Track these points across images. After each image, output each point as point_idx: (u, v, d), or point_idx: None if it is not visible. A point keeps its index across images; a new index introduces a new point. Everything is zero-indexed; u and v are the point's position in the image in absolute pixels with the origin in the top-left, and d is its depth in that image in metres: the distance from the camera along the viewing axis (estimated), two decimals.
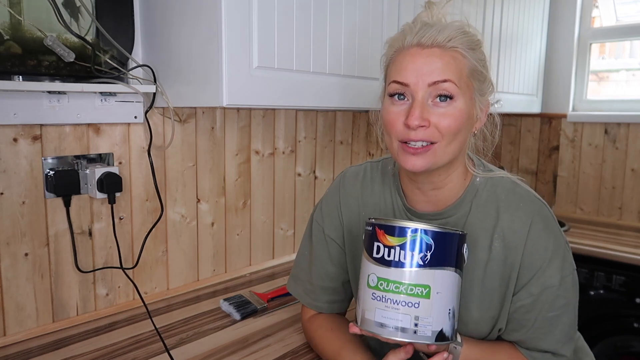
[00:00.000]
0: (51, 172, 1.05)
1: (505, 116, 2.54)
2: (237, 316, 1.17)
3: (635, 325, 1.75)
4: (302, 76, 1.14)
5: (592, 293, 1.80)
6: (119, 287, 1.21)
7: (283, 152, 1.56)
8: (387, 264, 0.69)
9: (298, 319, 1.17)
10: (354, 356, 0.86)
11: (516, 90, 2.15)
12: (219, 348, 1.03)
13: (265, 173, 1.52)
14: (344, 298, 1.00)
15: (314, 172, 1.68)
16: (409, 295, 0.68)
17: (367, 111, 1.84)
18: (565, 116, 2.39)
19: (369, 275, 0.71)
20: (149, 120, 1.19)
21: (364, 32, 1.29)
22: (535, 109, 2.37)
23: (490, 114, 0.86)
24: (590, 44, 2.39)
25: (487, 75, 0.81)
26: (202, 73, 1.03)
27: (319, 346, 0.95)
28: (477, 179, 0.85)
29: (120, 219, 1.19)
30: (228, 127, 1.39)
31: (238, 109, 1.41)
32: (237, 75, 0.99)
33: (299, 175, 1.63)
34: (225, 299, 1.23)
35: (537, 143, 2.51)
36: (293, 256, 1.63)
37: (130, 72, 1.13)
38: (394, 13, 1.38)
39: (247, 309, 1.19)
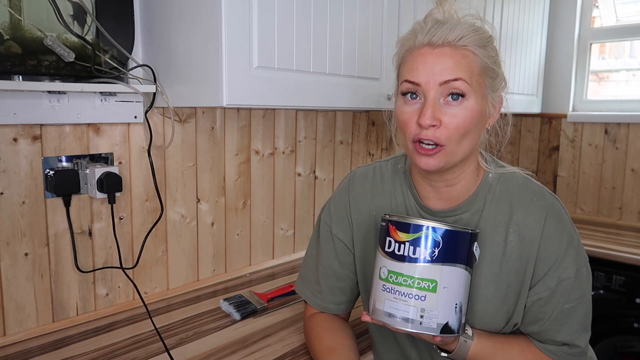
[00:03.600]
0: (51, 172, 1.05)
1: (505, 116, 2.54)
2: (237, 316, 1.17)
3: (635, 325, 1.75)
4: (302, 76, 1.14)
5: (592, 293, 1.80)
6: (119, 287, 1.21)
7: (283, 152, 1.56)
8: (397, 258, 0.73)
9: (298, 319, 1.17)
10: (344, 358, 0.87)
11: (516, 90, 2.15)
12: (219, 348, 1.03)
13: (265, 173, 1.52)
14: (350, 299, 1.00)
15: (314, 172, 1.68)
16: (416, 289, 0.71)
17: (367, 111, 1.84)
18: (565, 116, 2.39)
19: (380, 268, 0.75)
20: (149, 120, 1.19)
21: (364, 32, 1.29)
22: (535, 109, 2.37)
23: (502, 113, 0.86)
24: (590, 44, 2.39)
25: (499, 71, 0.81)
26: (202, 73, 1.03)
27: (312, 342, 0.95)
28: (490, 175, 0.86)
29: (120, 219, 1.19)
30: (228, 127, 1.39)
31: (238, 109, 1.41)
32: (237, 75, 0.99)
33: (299, 175, 1.63)
34: (225, 299, 1.23)
35: (537, 143, 2.51)
36: (293, 256, 1.63)
37: (130, 72, 1.13)
38: (394, 13, 1.38)
39: (247, 309, 1.19)
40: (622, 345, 1.79)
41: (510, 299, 0.82)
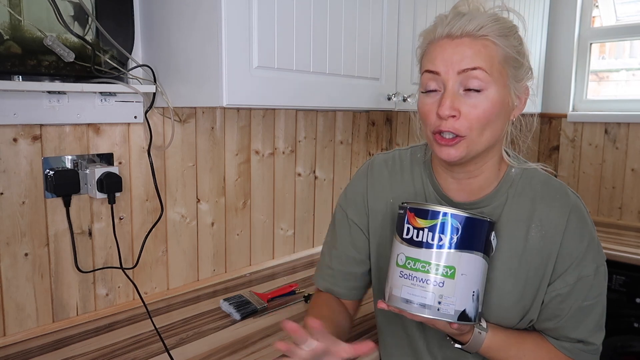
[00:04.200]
0: (51, 172, 1.05)
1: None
2: (237, 316, 1.17)
3: (635, 325, 1.75)
4: (302, 76, 1.14)
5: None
6: (119, 287, 1.21)
7: (283, 152, 1.56)
8: (416, 244, 0.73)
9: (298, 319, 1.17)
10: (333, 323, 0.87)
11: None
12: (219, 348, 1.03)
13: (265, 173, 1.52)
14: (363, 285, 0.98)
15: (314, 172, 1.68)
16: (434, 275, 0.71)
17: (367, 111, 1.84)
18: (565, 116, 2.39)
19: (398, 255, 0.75)
20: (149, 120, 1.19)
21: (364, 32, 1.29)
22: (535, 108, 2.37)
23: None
24: (590, 44, 2.39)
25: (523, 61, 0.80)
26: (202, 73, 1.03)
27: (308, 312, 0.95)
28: (513, 170, 0.85)
29: (120, 219, 1.19)
30: (228, 127, 1.39)
31: (238, 109, 1.41)
32: (237, 75, 0.99)
33: (299, 175, 1.63)
34: (225, 299, 1.23)
35: (537, 143, 2.51)
36: (293, 256, 1.63)
37: (130, 72, 1.13)
38: (394, 13, 1.38)
39: (247, 309, 1.19)
40: (622, 345, 1.78)
41: (527, 295, 0.82)
